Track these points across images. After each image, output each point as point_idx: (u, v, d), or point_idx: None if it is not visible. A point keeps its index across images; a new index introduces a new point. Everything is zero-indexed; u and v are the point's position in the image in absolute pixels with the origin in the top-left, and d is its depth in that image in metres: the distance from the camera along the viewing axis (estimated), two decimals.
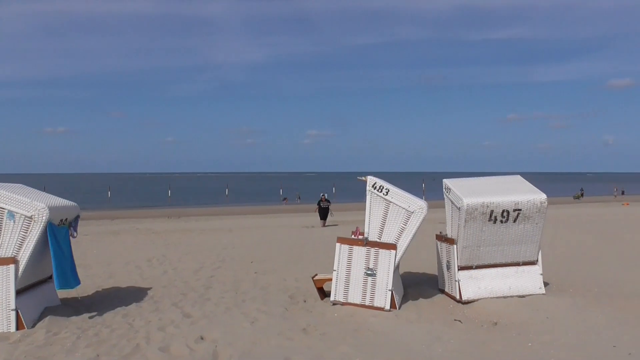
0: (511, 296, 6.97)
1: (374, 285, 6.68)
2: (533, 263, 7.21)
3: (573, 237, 14.26)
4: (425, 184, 51.16)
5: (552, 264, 9.20)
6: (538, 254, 7.22)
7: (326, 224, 20.38)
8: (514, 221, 6.91)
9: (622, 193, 54.30)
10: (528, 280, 7.12)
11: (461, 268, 7.05)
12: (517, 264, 7.17)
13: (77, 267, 7.03)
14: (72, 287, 6.65)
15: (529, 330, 5.81)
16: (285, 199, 48.91)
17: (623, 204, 35.62)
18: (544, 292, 7.10)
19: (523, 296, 6.97)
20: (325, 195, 21.64)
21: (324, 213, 20.86)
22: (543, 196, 6.98)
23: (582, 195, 48.70)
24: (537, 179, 7.82)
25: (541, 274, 7.20)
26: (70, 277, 6.57)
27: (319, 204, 21.14)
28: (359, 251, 6.80)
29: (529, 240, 7.05)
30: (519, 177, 7.66)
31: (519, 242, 7.03)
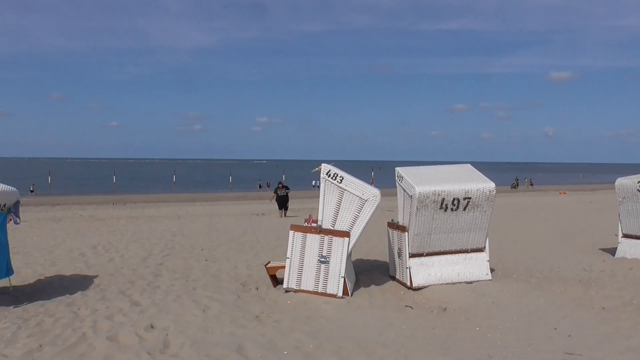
0: (460, 282, 7.20)
1: (327, 272, 6.72)
2: (481, 250, 7.48)
3: (517, 224, 14.92)
4: (375, 172, 51.97)
5: (498, 251, 9.58)
6: (486, 241, 7.48)
7: (286, 215, 19.05)
8: (464, 209, 7.11)
9: (531, 184, 54.39)
10: (476, 267, 7.37)
11: (412, 255, 7.20)
12: (466, 251, 7.41)
13: (15, 255, 6.68)
14: (5, 277, 6.31)
15: (476, 314, 6.03)
16: (260, 185, 48.00)
17: (560, 193, 37.62)
18: (490, 278, 7.38)
19: (471, 282, 7.22)
20: (284, 181, 20.29)
21: (282, 201, 19.47)
22: (492, 185, 7.23)
23: (517, 185, 49.41)
24: (481, 168, 8.08)
25: (488, 261, 7.48)
26: (2, 266, 6.23)
27: (276, 191, 19.73)
28: (313, 239, 6.80)
29: (478, 227, 7.29)
30: (469, 166, 7.88)
31: (468, 229, 7.26)
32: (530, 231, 13.71)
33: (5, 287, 6.95)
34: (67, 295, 6.77)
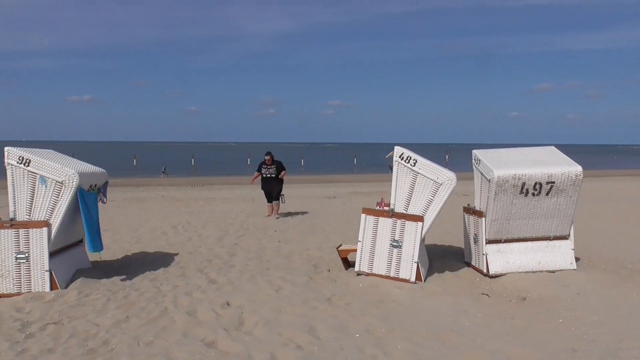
0: (541, 271, 6.84)
1: (399, 256, 6.62)
2: (565, 238, 7.04)
3: (606, 211, 13.92)
4: (449, 156, 50.57)
5: (584, 239, 9.00)
6: (570, 228, 7.03)
7: (278, 212, 12.87)
8: (547, 194, 6.71)
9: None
10: (559, 255, 6.96)
11: (489, 241, 6.93)
12: (548, 239, 7.01)
13: (105, 232, 7.15)
14: (98, 252, 6.78)
15: (559, 306, 5.71)
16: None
17: None
18: (575, 267, 6.95)
19: (553, 271, 6.83)
20: (272, 154, 12.85)
21: (268, 187, 12.70)
22: (579, 168, 6.76)
23: None
24: (566, 151, 7.56)
25: (573, 249, 7.03)
26: (98, 241, 6.69)
27: (260, 170, 12.75)
28: (385, 222, 6.72)
29: (562, 214, 6.86)
30: (553, 148, 7.42)
31: (551, 215, 6.85)
32: (621, 218, 12.74)
33: (103, 261, 7.49)
34: (151, 271, 7.17)
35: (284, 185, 12.97)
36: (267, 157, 12.68)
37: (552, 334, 4.88)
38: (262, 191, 13.00)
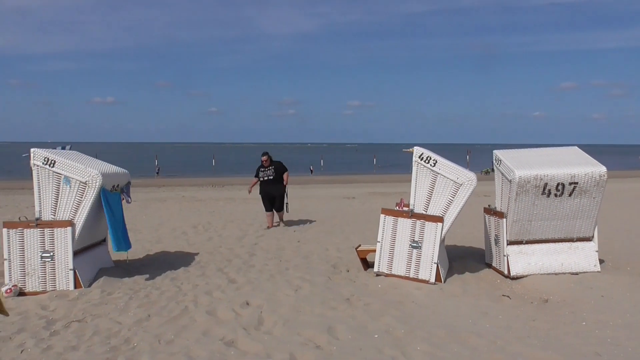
0: (563, 273, 6.73)
1: (419, 257, 6.58)
2: (588, 239, 6.91)
3: (631, 212, 13.62)
4: (471, 156, 50.05)
5: (609, 241, 8.82)
6: (594, 230, 6.90)
7: (283, 219, 11.51)
8: (570, 195, 6.60)
9: None
10: (582, 257, 6.84)
11: (510, 243, 6.84)
12: (571, 240, 6.88)
13: (128, 231, 7.26)
14: (125, 250, 6.89)
15: (582, 308, 5.60)
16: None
17: None
18: (599, 269, 6.81)
19: (576, 273, 6.71)
20: (269, 154, 11.17)
21: (268, 190, 11.05)
22: (603, 169, 6.63)
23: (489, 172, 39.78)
24: (590, 151, 7.42)
25: (597, 251, 6.90)
26: (122, 240, 6.80)
27: (257, 174, 11.21)
28: (404, 223, 6.69)
29: (585, 215, 6.74)
30: (576, 148, 7.29)
31: (574, 217, 6.74)
32: None
33: (121, 260, 7.61)
34: (171, 270, 7.26)
35: (288, 191, 11.36)
36: (263, 158, 11.02)
37: (575, 337, 4.80)
38: (260, 196, 11.19)
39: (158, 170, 41.91)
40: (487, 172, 42.78)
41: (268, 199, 11.10)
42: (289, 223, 11.84)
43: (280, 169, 11.17)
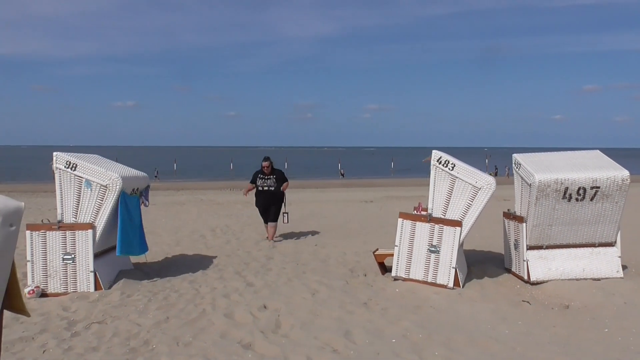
0: (585, 279, 6.61)
1: (437, 262, 6.54)
2: (610, 245, 6.78)
3: None
4: (490, 160, 49.53)
5: (632, 246, 8.63)
6: (617, 235, 6.77)
7: (275, 235, 10.04)
8: (591, 199, 6.49)
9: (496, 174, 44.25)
10: (604, 263, 6.71)
11: (530, 247, 6.75)
12: (593, 245, 6.76)
13: (146, 235, 7.34)
14: (134, 254, 6.96)
15: (604, 315, 5.50)
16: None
17: None
18: (621, 275, 6.67)
19: (598, 279, 6.59)
20: (271, 160, 10.01)
21: (266, 203, 9.90)
22: (625, 173, 6.50)
23: (496, 174, 38.99)
24: (613, 155, 7.28)
25: (619, 257, 6.77)
26: (135, 244, 6.85)
27: (254, 181, 10.01)
28: (422, 227, 6.65)
29: (607, 220, 6.61)
30: (598, 152, 7.17)
31: (596, 221, 6.62)
32: None
33: (144, 263, 7.70)
34: (190, 273, 7.32)
35: (286, 201, 10.23)
36: (264, 164, 9.76)
37: (597, 344, 4.71)
38: (257, 208, 10.10)
39: (157, 174, 42.19)
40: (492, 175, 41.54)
41: (265, 210, 9.98)
42: (299, 232, 11.84)
43: (280, 178, 9.96)
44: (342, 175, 46.42)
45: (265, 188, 9.83)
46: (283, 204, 10.07)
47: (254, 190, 10.02)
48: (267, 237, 10.02)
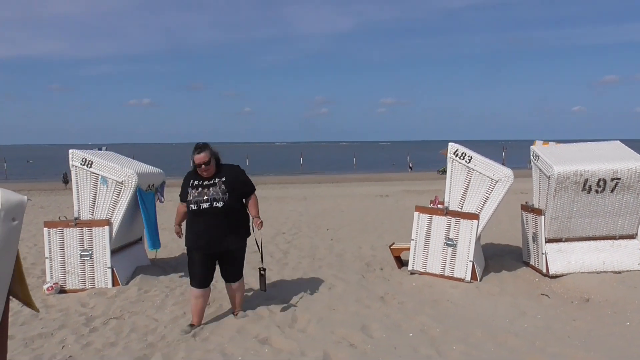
0: (605, 272, 6.48)
1: (454, 255, 6.47)
2: (632, 237, 6.63)
3: None
4: (506, 152, 48.99)
5: None
6: (638, 227, 6.62)
7: (241, 304, 5.28)
8: (612, 191, 6.35)
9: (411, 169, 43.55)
10: (625, 255, 6.57)
11: (549, 240, 6.63)
12: (613, 237, 6.62)
13: (163, 231, 7.39)
14: (158, 249, 7.02)
15: (625, 308, 5.38)
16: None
17: None
18: None
19: (619, 272, 6.45)
20: (211, 150, 5.01)
21: (208, 239, 4.87)
22: None
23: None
24: (634, 146, 7.13)
25: None
26: (157, 239, 6.94)
27: (184, 194, 5.03)
28: (439, 221, 6.58)
29: (628, 212, 6.47)
30: (618, 142, 7.01)
31: (616, 213, 6.48)
32: None
33: (161, 259, 7.76)
34: None
35: (261, 238, 5.95)
36: (197, 157, 4.97)
37: (619, 338, 4.61)
38: (190, 256, 5.12)
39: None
40: (443, 172, 41.60)
41: (204, 256, 5.05)
42: (315, 227, 11.82)
43: (239, 185, 5.17)
44: (411, 168, 45.94)
45: (204, 206, 4.88)
46: (259, 246, 5.53)
47: (184, 215, 5.15)
48: (192, 324, 5.04)
